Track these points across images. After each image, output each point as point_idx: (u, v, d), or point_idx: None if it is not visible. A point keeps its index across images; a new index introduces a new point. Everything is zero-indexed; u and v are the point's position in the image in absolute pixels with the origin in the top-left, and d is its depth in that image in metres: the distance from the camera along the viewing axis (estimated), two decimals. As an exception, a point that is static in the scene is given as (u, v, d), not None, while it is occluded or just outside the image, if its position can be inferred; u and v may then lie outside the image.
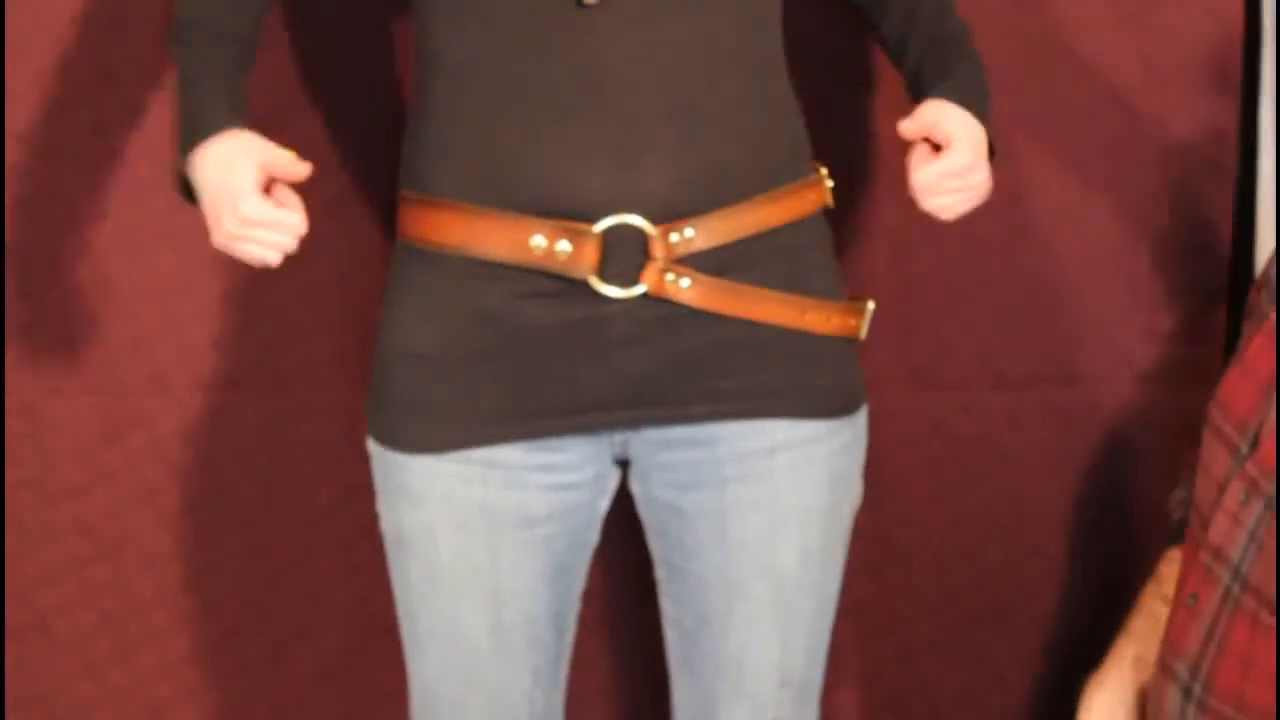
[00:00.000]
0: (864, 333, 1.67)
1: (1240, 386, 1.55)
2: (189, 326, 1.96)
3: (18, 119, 1.89)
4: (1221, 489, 1.53)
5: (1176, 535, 1.76)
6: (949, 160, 1.59)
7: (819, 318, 1.62)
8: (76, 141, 1.91)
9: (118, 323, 1.95)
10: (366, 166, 1.92)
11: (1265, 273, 1.66)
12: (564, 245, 1.54)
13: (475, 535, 1.62)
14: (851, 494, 1.70)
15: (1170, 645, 1.57)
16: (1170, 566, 1.73)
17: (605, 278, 1.55)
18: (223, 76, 1.58)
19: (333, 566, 2.01)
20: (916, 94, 1.68)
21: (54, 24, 1.87)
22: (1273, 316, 1.55)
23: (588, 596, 1.75)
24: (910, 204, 1.97)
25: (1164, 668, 1.57)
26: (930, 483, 2.02)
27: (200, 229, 1.92)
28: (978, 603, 2.05)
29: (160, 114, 1.90)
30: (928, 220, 1.97)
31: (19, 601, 2.00)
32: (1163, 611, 1.69)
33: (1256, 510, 1.48)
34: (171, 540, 2.00)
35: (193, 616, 2.02)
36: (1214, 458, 1.56)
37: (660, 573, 1.74)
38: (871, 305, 1.68)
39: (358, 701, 2.05)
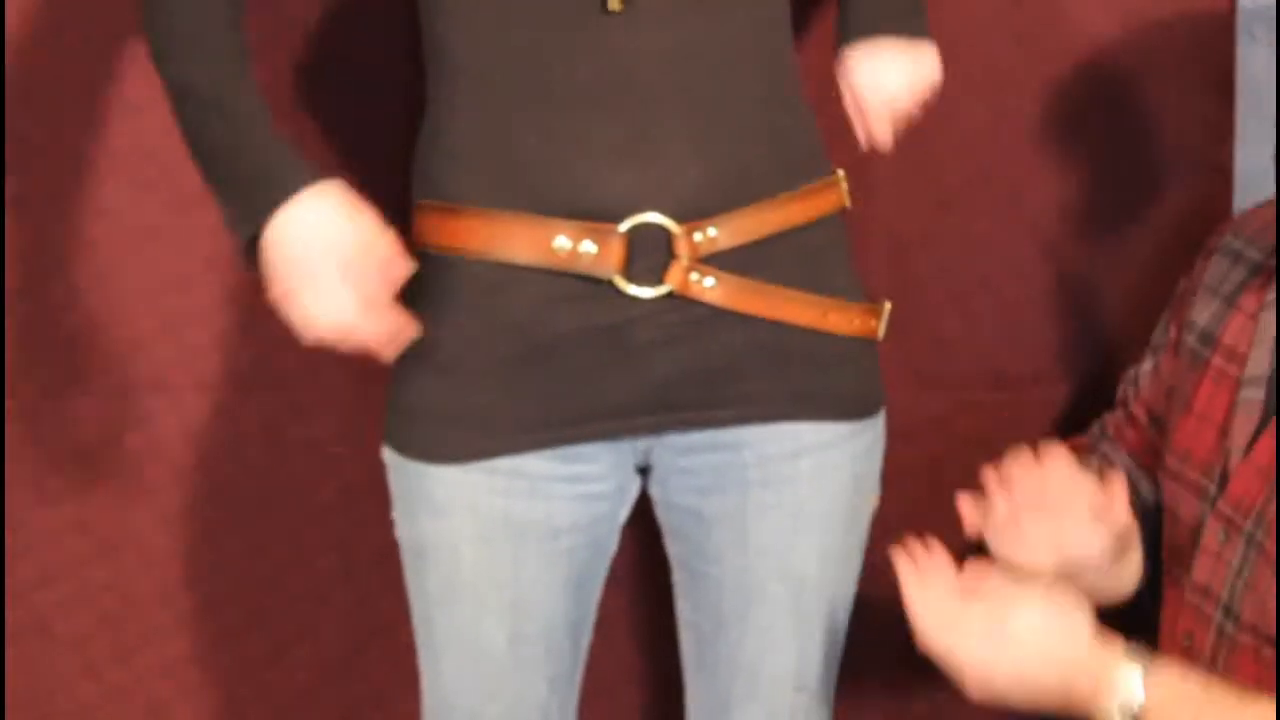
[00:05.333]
0: (881, 332, 1.67)
1: (1197, 432, 1.60)
2: (189, 326, 1.96)
3: (18, 118, 1.89)
4: (1196, 531, 1.56)
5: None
6: (870, 119, 1.66)
7: (842, 318, 1.62)
8: (76, 141, 1.90)
9: (118, 323, 1.95)
10: (371, 168, 1.91)
11: (1183, 316, 1.68)
12: (588, 246, 1.53)
13: (499, 546, 1.62)
14: (871, 496, 1.71)
15: None
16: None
17: (630, 277, 1.55)
18: (262, 123, 1.55)
19: (333, 566, 2.01)
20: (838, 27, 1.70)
21: (54, 24, 1.87)
22: (1214, 361, 1.60)
23: (602, 597, 1.75)
24: (910, 204, 1.98)
25: None
26: (930, 483, 2.02)
27: (200, 229, 1.93)
28: (977, 602, 2.05)
29: (160, 114, 1.89)
30: (928, 220, 1.98)
31: (19, 601, 2.00)
32: None
33: (1239, 548, 1.51)
34: (171, 540, 2.00)
35: (193, 616, 2.02)
36: (1181, 503, 1.61)
37: (678, 576, 1.73)
38: (889, 306, 1.68)
39: (358, 701, 2.05)
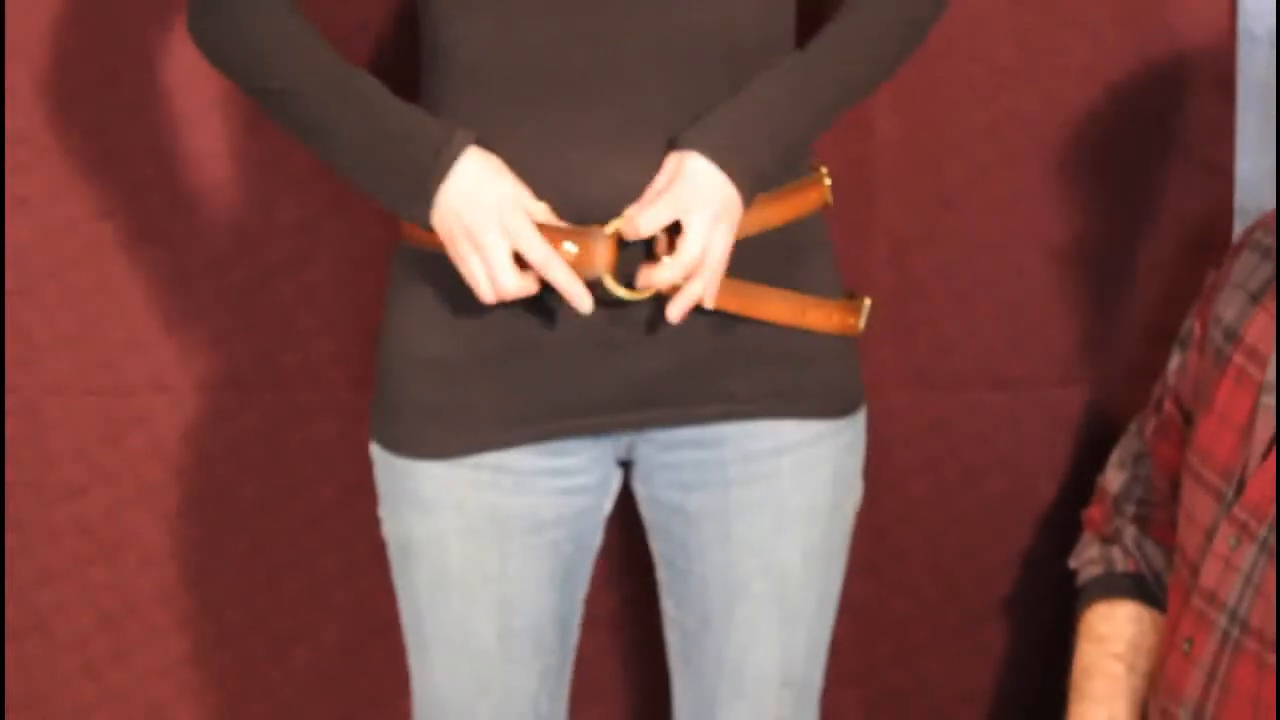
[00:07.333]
0: (862, 326, 1.66)
1: (1218, 433, 1.59)
2: (189, 326, 1.96)
3: (18, 119, 1.89)
4: (1208, 535, 1.56)
5: (1099, 592, 1.77)
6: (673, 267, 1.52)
7: (820, 315, 1.62)
8: (76, 141, 1.91)
9: (118, 323, 1.95)
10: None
11: (1208, 310, 1.67)
12: (569, 247, 1.52)
13: (485, 541, 1.62)
14: (853, 493, 1.71)
15: (1170, 691, 1.58)
16: (1110, 624, 1.74)
17: (614, 277, 1.54)
18: (389, 97, 1.54)
19: (333, 566, 2.01)
20: None
21: (54, 24, 1.87)
22: (1236, 359, 1.58)
23: (588, 596, 1.75)
24: (910, 204, 1.98)
25: (1164, 714, 1.58)
26: (930, 483, 2.02)
27: (200, 229, 1.93)
28: (978, 603, 2.05)
29: (160, 114, 1.90)
30: (928, 220, 1.98)
31: (19, 601, 2.00)
32: (1118, 669, 1.70)
33: (1250, 554, 1.51)
34: (171, 540, 2.00)
35: (193, 616, 2.02)
36: (1197, 505, 1.59)
37: (663, 573, 1.73)
38: (869, 302, 1.67)
39: (358, 701, 2.05)
